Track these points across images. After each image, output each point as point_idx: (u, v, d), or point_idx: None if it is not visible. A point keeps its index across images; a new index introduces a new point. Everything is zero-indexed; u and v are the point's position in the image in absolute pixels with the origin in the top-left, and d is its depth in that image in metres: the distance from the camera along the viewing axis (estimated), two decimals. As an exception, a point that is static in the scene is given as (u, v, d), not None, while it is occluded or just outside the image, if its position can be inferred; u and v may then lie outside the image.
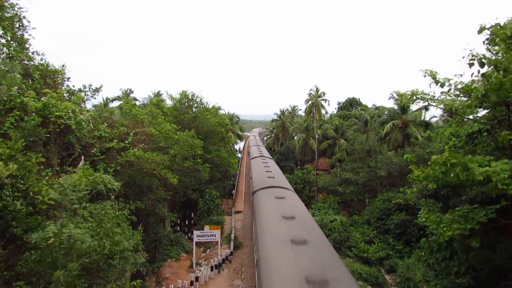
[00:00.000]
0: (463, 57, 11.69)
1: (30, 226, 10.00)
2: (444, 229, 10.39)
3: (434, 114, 48.07)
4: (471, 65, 11.79)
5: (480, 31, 11.55)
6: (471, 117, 13.24)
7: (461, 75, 12.17)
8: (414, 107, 38.74)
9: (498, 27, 11.16)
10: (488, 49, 11.56)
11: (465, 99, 12.36)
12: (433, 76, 12.37)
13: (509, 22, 11.16)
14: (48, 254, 8.68)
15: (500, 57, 11.17)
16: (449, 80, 12.32)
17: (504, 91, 9.88)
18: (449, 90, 12.39)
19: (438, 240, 11.95)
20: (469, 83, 12.14)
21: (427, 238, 15.09)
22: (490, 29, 11.32)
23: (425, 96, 12.88)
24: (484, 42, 11.68)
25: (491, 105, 11.36)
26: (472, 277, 12.50)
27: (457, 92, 12.46)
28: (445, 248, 13.29)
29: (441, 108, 13.59)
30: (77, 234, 8.45)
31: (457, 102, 12.25)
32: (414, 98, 13.09)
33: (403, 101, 13.75)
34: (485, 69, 11.64)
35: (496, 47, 11.53)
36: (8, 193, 9.87)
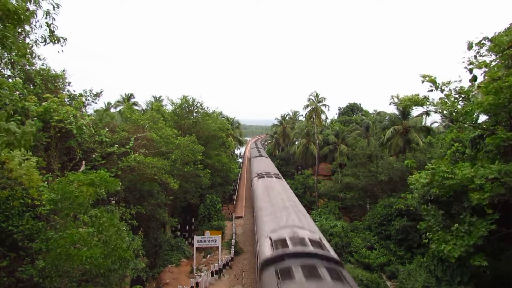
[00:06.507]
0: (463, 62, 11.97)
1: (31, 232, 9.98)
2: (450, 249, 10.45)
3: (435, 119, 48.07)
4: (470, 70, 12.03)
5: (469, 47, 11.88)
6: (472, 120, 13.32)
7: (460, 81, 12.45)
8: (415, 112, 38.77)
9: (487, 39, 11.47)
10: (479, 65, 11.81)
11: (464, 103, 12.53)
12: (433, 81, 12.54)
13: (502, 33, 11.36)
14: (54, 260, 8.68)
15: (494, 66, 11.46)
16: (449, 84, 12.52)
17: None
18: (450, 93, 12.55)
19: (445, 257, 11.91)
20: (468, 89, 12.37)
21: (429, 243, 14.99)
22: (487, 43, 11.63)
23: (424, 101, 12.98)
24: (475, 56, 11.99)
25: (492, 110, 11.46)
26: (475, 285, 12.40)
27: (457, 96, 12.63)
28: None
29: (440, 114, 13.69)
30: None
31: (458, 107, 12.37)
32: (414, 103, 13.21)
33: (401, 105, 13.89)
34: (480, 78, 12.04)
35: (490, 57, 11.83)
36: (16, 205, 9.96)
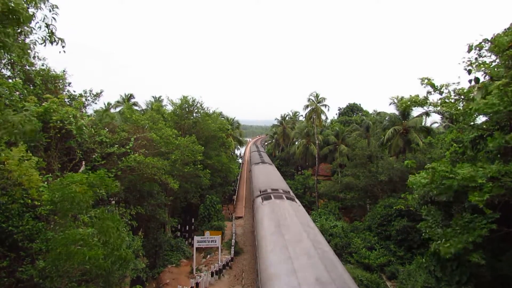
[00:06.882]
0: (463, 62, 12.00)
1: (31, 232, 9.99)
2: (446, 245, 10.44)
3: (435, 120, 48.08)
4: (469, 71, 12.03)
5: (469, 50, 11.92)
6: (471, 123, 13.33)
7: (459, 83, 12.48)
8: (415, 112, 38.77)
9: (487, 41, 11.51)
10: (479, 66, 11.85)
11: (464, 103, 12.55)
12: (431, 84, 12.58)
13: (502, 34, 11.38)
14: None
15: (494, 67, 11.50)
16: (447, 86, 12.54)
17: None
18: (449, 95, 12.57)
19: (442, 255, 11.92)
20: (468, 90, 12.39)
21: (428, 244, 15.00)
22: (486, 45, 11.69)
23: (425, 101, 12.99)
24: (476, 58, 12.03)
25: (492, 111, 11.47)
26: (474, 285, 12.39)
27: (457, 97, 12.65)
28: (453, 260, 13.19)
29: (441, 114, 13.72)
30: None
31: (459, 109, 12.37)
32: (413, 103, 13.24)
33: (401, 107, 13.96)
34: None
35: (490, 59, 11.88)
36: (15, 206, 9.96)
